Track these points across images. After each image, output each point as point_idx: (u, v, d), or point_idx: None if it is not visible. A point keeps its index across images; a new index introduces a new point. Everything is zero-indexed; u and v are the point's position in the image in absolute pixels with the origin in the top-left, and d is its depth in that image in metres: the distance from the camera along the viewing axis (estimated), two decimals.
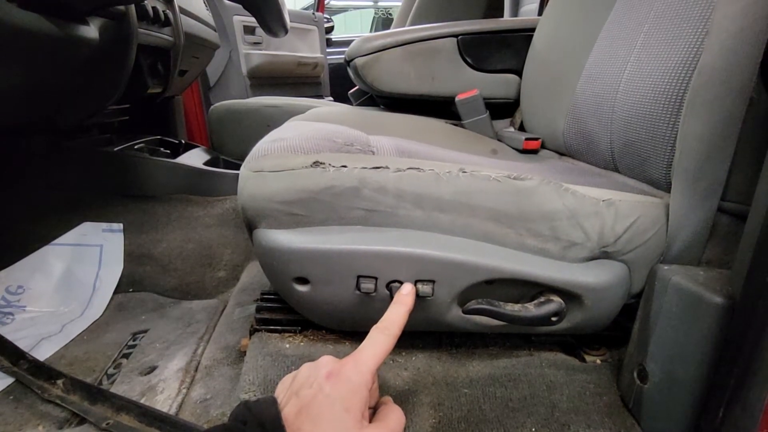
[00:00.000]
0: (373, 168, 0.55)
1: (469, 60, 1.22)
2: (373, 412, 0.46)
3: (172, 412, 0.63)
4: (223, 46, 2.03)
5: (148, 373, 0.73)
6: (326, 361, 0.43)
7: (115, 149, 1.22)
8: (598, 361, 0.66)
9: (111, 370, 0.74)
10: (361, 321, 0.61)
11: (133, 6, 0.94)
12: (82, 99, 0.99)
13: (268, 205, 0.55)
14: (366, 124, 0.88)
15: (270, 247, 0.55)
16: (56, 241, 1.02)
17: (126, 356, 0.78)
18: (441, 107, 1.24)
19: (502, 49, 1.21)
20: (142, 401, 0.65)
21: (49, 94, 0.90)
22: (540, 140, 1.03)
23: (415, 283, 0.55)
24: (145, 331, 0.85)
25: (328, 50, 2.80)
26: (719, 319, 0.46)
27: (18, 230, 1.05)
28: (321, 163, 0.54)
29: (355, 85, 1.47)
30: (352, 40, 1.32)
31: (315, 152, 0.60)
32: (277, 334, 0.67)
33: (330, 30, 3.10)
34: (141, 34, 1.00)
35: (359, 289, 0.55)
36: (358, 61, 1.22)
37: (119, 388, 0.69)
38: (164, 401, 0.65)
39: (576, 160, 0.94)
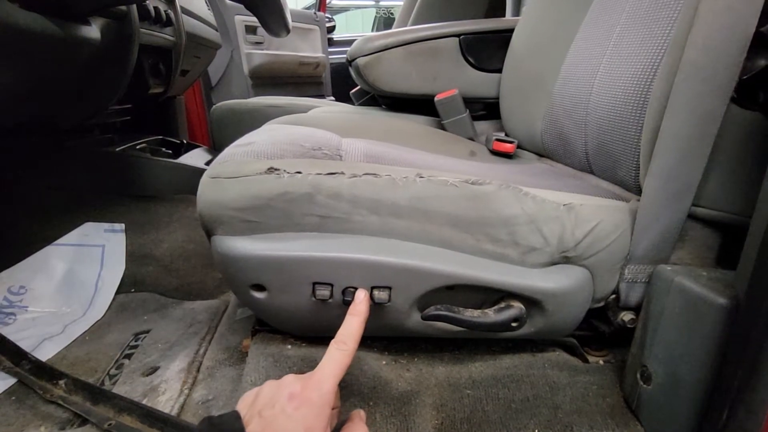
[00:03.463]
0: (328, 174, 0.54)
1: (470, 60, 1.22)
2: (338, 423, 0.48)
3: (174, 413, 0.63)
4: (224, 45, 2.02)
5: (150, 373, 0.72)
6: (289, 381, 0.44)
7: (117, 149, 1.22)
8: (601, 362, 0.66)
9: (113, 371, 0.74)
10: (319, 327, 0.61)
11: (134, 6, 0.94)
12: (83, 99, 0.99)
13: (224, 211, 0.54)
14: (345, 126, 0.88)
15: (226, 254, 0.55)
16: (58, 241, 1.02)
17: (128, 357, 0.78)
18: None
19: (504, 49, 1.21)
20: (144, 402, 0.65)
21: (50, 94, 0.90)
22: (515, 144, 1.03)
23: (372, 289, 0.54)
24: (147, 332, 0.85)
25: (329, 50, 2.80)
26: (723, 320, 0.46)
27: (20, 230, 1.05)
28: (276, 170, 0.54)
29: (357, 85, 1.47)
30: (353, 40, 1.32)
31: (278, 157, 0.59)
32: (278, 335, 0.67)
33: (331, 29, 3.10)
34: (143, 34, 1.00)
35: (315, 296, 0.55)
36: (360, 61, 1.22)
37: (121, 389, 0.69)
38: (166, 402, 0.65)
39: (554, 161, 0.94)
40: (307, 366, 0.61)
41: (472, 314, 0.57)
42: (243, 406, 0.44)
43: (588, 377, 0.63)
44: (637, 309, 0.62)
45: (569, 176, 0.81)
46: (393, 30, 1.35)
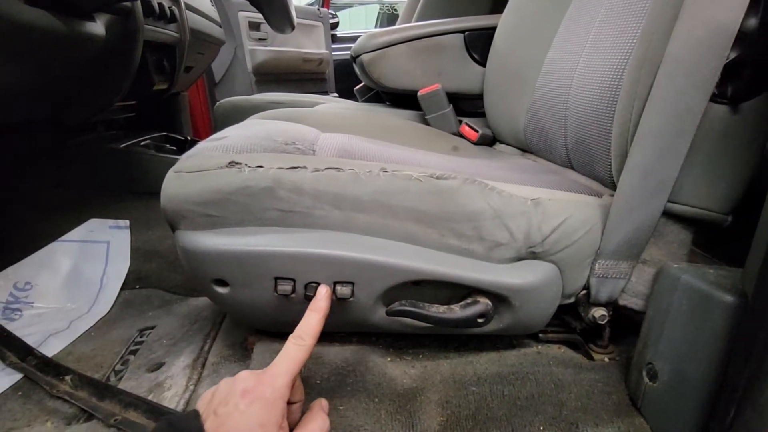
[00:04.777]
0: (290, 168, 0.54)
1: (475, 56, 1.22)
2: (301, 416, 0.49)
3: (180, 408, 0.63)
4: (228, 42, 2.02)
5: (156, 369, 0.73)
6: (243, 377, 0.44)
7: (122, 146, 1.23)
8: (606, 360, 0.66)
9: (118, 367, 0.75)
10: (283, 322, 0.60)
11: (139, 2, 0.94)
12: (88, 95, 0.99)
13: (185, 206, 0.54)
14: (330, 122, 0.88)
15: (188, 249, 0.55)
16: (63, 237, 1.02)
17: (133, 353, 0.78)
18: None
19: None
20: (149, 398, 0.65)
21: (56, 90, 0.90)
22: (478, 133, 1.06)
23: (334, 284, 0.54)
24: (152, 328, 0.85)
25: (333, 46, 2.80)
26: (730, 318, 0.46)
27: (25, 227, 1.06)
28: (237, 163, 0.53)
29: (360, 82, 1.47)
30: (357, 36, 1.32)
31: (248, 151, 0.59)
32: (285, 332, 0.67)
33: (335, 26, 3.09)
34: (147, 31, 1.00)
35: (277, 291, 0.54)
36: (365, 57, 1.22)
37: (127, 385, 0.69)
38: (171, 398, 0.65)
39: (537, 157, 0.94)
40: (313, 362, 0.61)
41: (437, 310, 0.57)
42: (202, 404, 0.44)
43: (593, 374, 0.63)
44: (607, 305, 0.62)
45: (549, 172, 0.81)
46: (397, 26, 1.35)
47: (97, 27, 0.80)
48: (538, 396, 0.59)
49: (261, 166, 0.53)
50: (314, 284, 0.54)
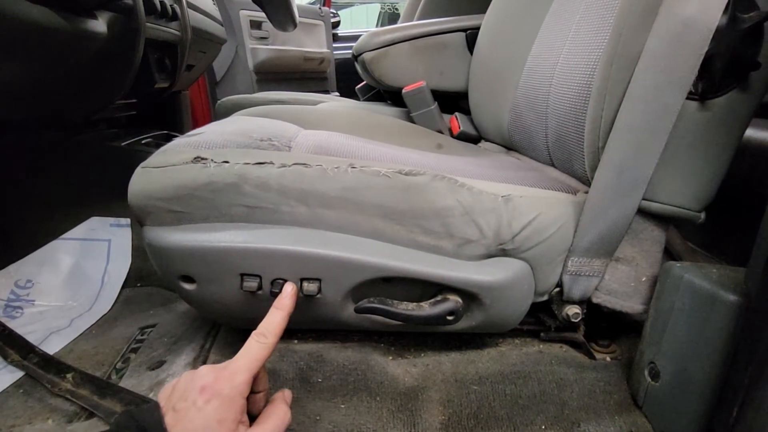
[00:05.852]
0: (256, 164, 0.53)
1: None
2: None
3: None
4: (229, 40, 2.02)
5: (157, 367, 0.73)
6: (202, 373, 0.44)
7: (123, 144, 1.22)
8: (608, 359, 0.66)
9: (119, 365, 0.74)
10: (251, 319, 0.59)
11: (140, 0, 0.94)
12: (90, 93, 0.99)
13: (150, 201, 0.53)
14: (313, 119, 0.87)
15: (155, 245, 0.54)
16: (64, 235, 1.02)
17: (134, 351, 0.78)
18: (449, 102, 1.23)
19: None
20: (150, 396, 0.65)
21: (57, 88, 0.90)
22: (460, 128, 1.10)
23: (301, 281, 0.54)
24: (153, 326, 0.85)
25: (334, 45, 2.79)
26: (733, 317, 0.46)
27: (26, 225, 1.06)
28: (202, 159, 0.53)
29: (362, 80, 1.47)
30: (358, 35, 1.32)
31: (221, 147, 0.58)
32: (285, 329, 0.66)
33: (336, 25, 3.09)
34: (149, 29, 1.00)
35: (243, 288, 0.54)
36: (366, 56, 1.22)
37: (128, 383, 0.69)
38: None
39: (521, 155, 0.94)
40: (314, 360, 0.61)
41: (406, 307, 0.56)
42: (162, 397, 0.44)
43: (595, 374, 0.63)
44: (581, 303, 0.62)
45: (530, 169, 0.81)
46: (399, 25, 1.35)
47: (99, 25, 0.80)
48: (540, 395, 0.59)
49: (227, 162, 0.53)
50: (281, 281, 0.54)
